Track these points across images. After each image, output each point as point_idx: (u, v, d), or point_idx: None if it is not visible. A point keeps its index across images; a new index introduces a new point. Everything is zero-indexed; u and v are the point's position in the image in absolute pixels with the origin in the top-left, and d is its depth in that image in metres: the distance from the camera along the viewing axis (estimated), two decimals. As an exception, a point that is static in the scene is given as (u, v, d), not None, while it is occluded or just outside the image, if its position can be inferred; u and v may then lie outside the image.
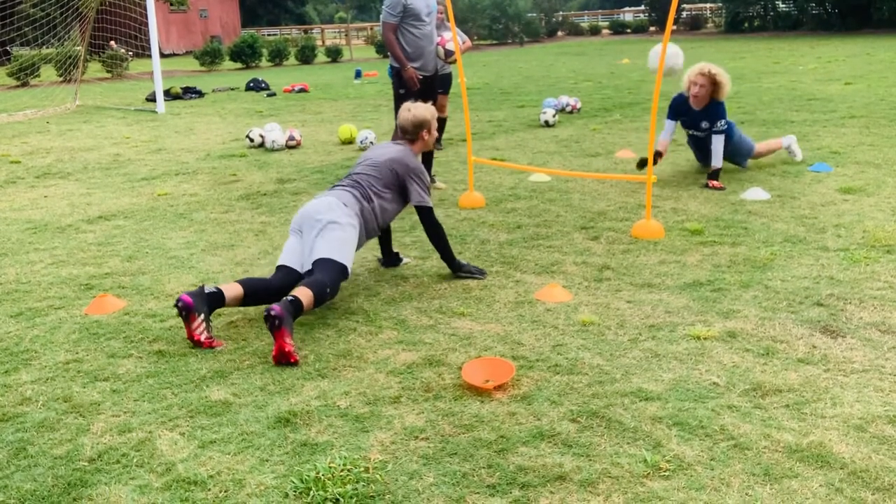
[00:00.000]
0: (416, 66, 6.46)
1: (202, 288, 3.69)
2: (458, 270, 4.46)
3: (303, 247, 4.05)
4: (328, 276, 3.81)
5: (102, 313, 4.09)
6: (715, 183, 6.34)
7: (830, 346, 3.42)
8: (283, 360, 3.41)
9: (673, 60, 5.80)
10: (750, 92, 12.89)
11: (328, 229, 3.99)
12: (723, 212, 5.63)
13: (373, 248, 5.03)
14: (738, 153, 6.84)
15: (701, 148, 6.78)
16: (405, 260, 4.81)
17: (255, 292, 3.85)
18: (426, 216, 4.36)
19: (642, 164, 6.42)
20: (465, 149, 6.54)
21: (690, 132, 6.75)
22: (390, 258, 4.75)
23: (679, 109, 6.65)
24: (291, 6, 57.74)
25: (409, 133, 4.49)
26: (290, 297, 3.58)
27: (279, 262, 4.05)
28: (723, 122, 6.43)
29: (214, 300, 3.69)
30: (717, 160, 6.43)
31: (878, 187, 6.12)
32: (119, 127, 11.88)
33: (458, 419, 2.91)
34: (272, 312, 3.39)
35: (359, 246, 4.19)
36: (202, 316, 3.62)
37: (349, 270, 3.97)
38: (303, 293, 3.65)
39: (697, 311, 3.87)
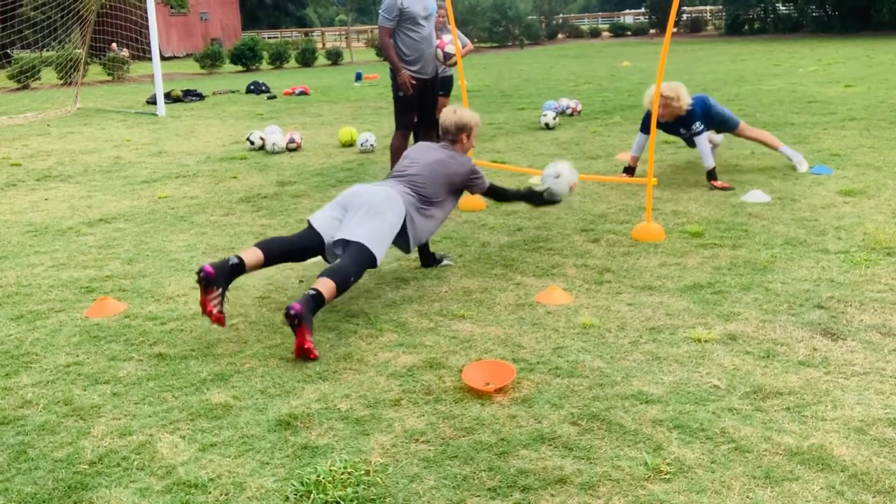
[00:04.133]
0: (415, 69, 6.47)
1: (227, 260, 3.79)
2: (548, 202, 4.84)
3: (340, 219, 4.08)
4: (354, 264, 3.84)
5: (103, 316, 4.09)
6: (717, 183, 6.38)
7: (831, 349, 3.42)
8: (303, 355, 3.49)
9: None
10: (750, 94, 12.90)
11: (372, 216, 4.00)
12: (723, 214, 5.63)
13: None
14: (726, 126, 6.95)
15: (689, 143, 6.90)
16: (446, 261, 4.80)
17: (277, 255, 3.98)
18: (494, 193, 4.75)
19: (629, 170, 6.64)
20: (466, 151, 6.54)
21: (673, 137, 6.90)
22: (428, 260, 4.76)
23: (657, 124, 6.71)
24: (292, 9, 57.77)
25: (450, 134, 4.58)
26: (311, 292, 3.60)
27: (310, 218, 4.12)
28: (697, 123, 6.47)
29: (235, 271, 3.81)
30: (707, 160, 6.46)
31: (879, 189, 6.12)
32: (119, 130, 11.89)
33: (458, 422, 2.91)
34: (292, 311, 3.45)
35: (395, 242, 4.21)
36: (220, 290, 3.73)
37: (378, 262, 3.96)
38: (325, 286, 3.66)
39: (698, 313, 3.87)
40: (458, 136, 4.57)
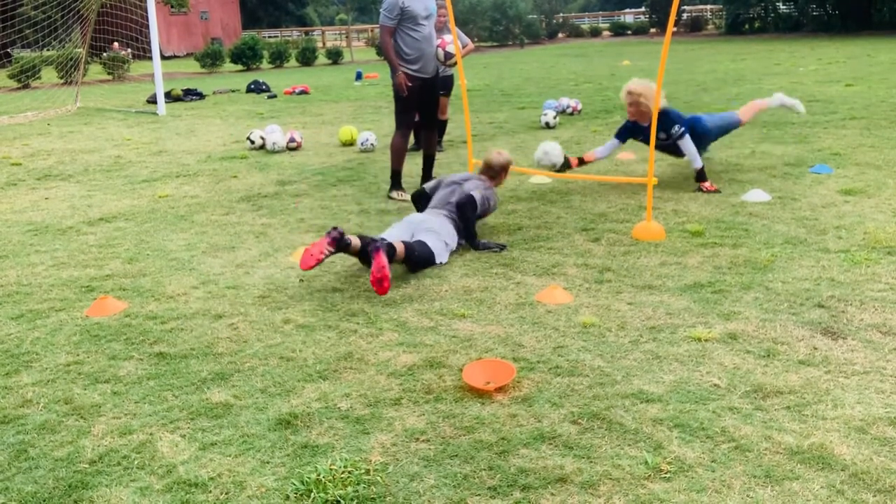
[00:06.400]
0: (415, 68, 6.47)
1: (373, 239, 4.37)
2: (478, 248, 5.02)
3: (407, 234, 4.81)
4: (420, 248, 4.57)
5: (103, 315, 4.09)
6: (706, 185, 6.27)
7: (831, 348, 3.42)
8: (376, 283, 4.07)
9: (553, 159, 6.26)
10: (750, 93, 12.89)
11: (433, 233, 4.80)
12: (723, 213, 5.63)
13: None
14: (725, 132, 6.86)
15: (672, 152, 6.57)
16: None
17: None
18: (468, 208, 5.02)
19: (580, 161, 6.51)
20: (466, 151, 6.55)
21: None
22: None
23: (632, 130, 6.48)
24: (292, 8, 57.78)
25: (493, 170, 5.41)
26: (388, 241, 4.34)
27: (381, 236, 4.71)
28: (677, 127, 6.24)
29: (343, 246, 4.33)
30: (695, 161, 6.30)
31: (879, 189, 6.12)
32: (120, 129, 11.89)
33: (458, 421, 2.91)
34: (374, 241, 4.22)
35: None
36: (330, 250, 4.24)
37: (437, 262, 4.70)
38: (398, 244, 4.44)
39: (698, 312, 3.87)
40: (500, 174, 5.45)
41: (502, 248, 5.00)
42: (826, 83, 14.03)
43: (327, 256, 4.26)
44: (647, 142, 6.43)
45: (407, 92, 6.42)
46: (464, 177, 5.37)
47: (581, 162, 6.50)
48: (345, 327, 3.84)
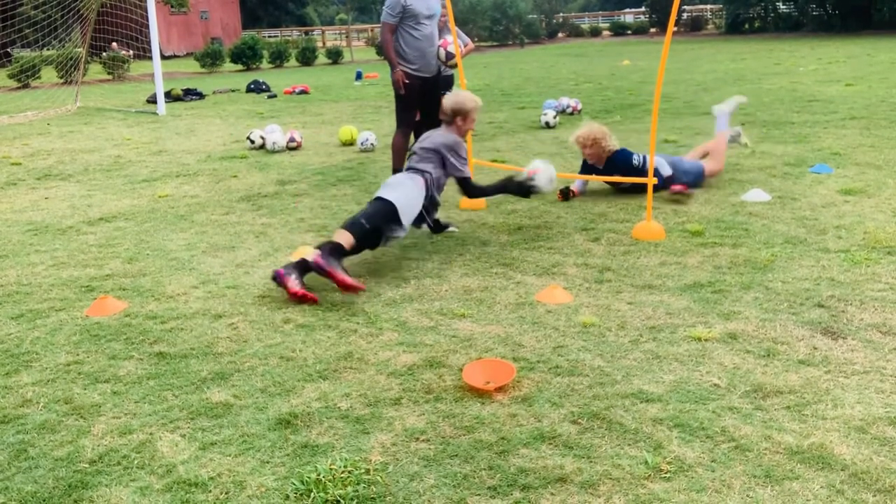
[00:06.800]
0: (415, 67, 6.47)
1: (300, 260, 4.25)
2: (529, 192, 5.05)
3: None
4: (371, 214, 4.47)
5: (103, 315, 4.09)
6: (675, 186, 6.04)
7: (831, 348, 3.42)
8: (349, 291, 4.14)
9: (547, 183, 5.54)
10: (750, 93, 12.89)
11: (399, 187, 4.66)
12: (723, 213, 5.63)
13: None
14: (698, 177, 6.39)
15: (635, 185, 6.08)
16: (451, 228, 5.38)
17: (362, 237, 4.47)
18: (466, 185, 5.01)
19: (564, 194, 6.25)
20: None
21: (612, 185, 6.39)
22: (437, 226, 5.22)
23: (589, 172, 6.37)
24: (292, 8, 57.80)
25: (446, 116, 5.01)
26: (328, 245, 4.25)
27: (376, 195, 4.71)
28: (636, 157, 6.14)
29: (302, 268, 4.20)
30: (664, 169, 6.16)
31: (879, 188, 6.12)
32: (120, 129, 11.89)
33: (458, 421, 2.91)
34: (314, 265, 4.11)
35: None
36: (294, 275, 4.12)
37: (399, 213, 4.52)
38: (341, 236, 4.34)
39: (698, 312, 3.86)
40: (452, 118, 4.96)
41: (531, 188, 5.01)
42: (826, 83, 14.03)
43: (302, 283, 4.14)
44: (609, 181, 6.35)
45: (404, 89, 6.42)
46: (423, 137, 5.09)
47: (573, 194, 6.33)
48: (345, 327, 3.84)
